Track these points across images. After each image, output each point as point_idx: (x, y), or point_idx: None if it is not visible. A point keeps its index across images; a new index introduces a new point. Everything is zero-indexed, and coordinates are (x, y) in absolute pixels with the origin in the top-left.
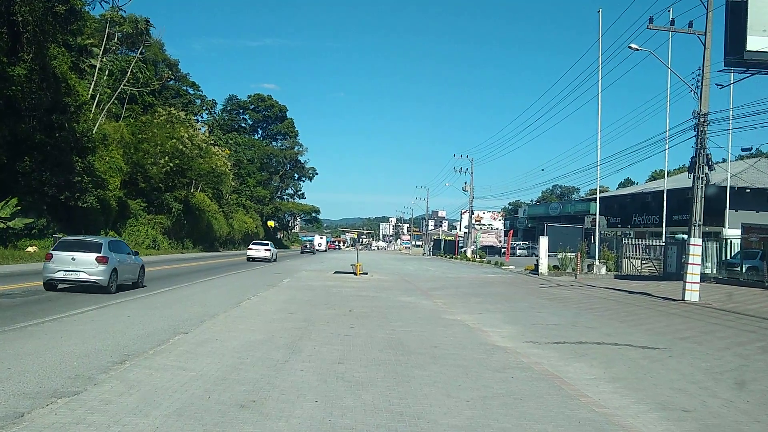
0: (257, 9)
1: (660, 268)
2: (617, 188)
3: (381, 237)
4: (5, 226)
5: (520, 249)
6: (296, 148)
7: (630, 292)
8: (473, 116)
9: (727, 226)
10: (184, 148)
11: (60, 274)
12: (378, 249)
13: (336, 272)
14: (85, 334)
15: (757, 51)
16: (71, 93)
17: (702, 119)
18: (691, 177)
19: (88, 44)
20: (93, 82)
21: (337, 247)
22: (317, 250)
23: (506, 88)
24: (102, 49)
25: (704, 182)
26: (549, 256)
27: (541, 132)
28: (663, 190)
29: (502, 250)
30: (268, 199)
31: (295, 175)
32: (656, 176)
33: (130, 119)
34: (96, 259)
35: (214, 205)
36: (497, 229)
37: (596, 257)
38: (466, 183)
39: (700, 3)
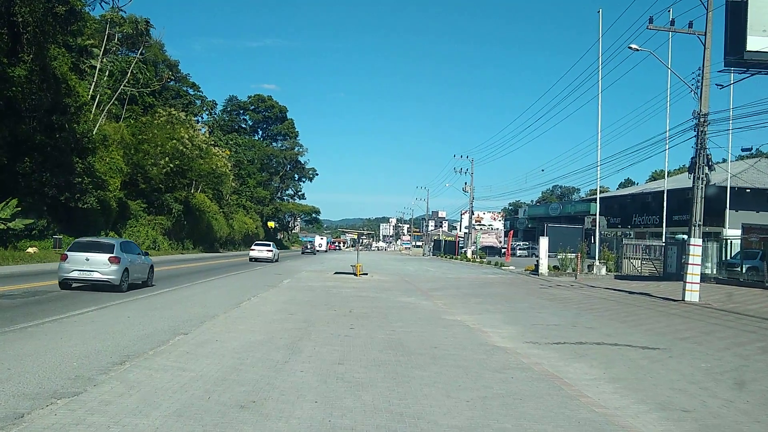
0: (257, 9)
1: (660, 269)
2: (617, 188)
3: (381, 237)
4: (5, 227)
5: (520, 249)
6: (296, 149)
7: (630, 293)
8: (473, 116)
9: (727, 226)
10: (184, 149)
11: (75, 274)
12: (378, 249)
13: (336, 273)
14: (85, 335)
15: (757, 51)
16: (71, 94)
17: (702, 119)
18: (691, 177)
19: (89, 45)
20: (93, 83)
21: (338, 247)
22: (318, 251)
23: (506, 88)
24: (102, 49)
25: (704, 182)
26: (549, 256)
27: (541, 132)
28: (663, 191)
29: (503, 250)
30: (268, 200)
31: (296, 175)
32: (656, 176)
33: (130, 120)
34: (109, 260)
35: (215, 205)
36: (497, 229)
37: (596, 257)
38: (466, 183)
39: (700, 3)
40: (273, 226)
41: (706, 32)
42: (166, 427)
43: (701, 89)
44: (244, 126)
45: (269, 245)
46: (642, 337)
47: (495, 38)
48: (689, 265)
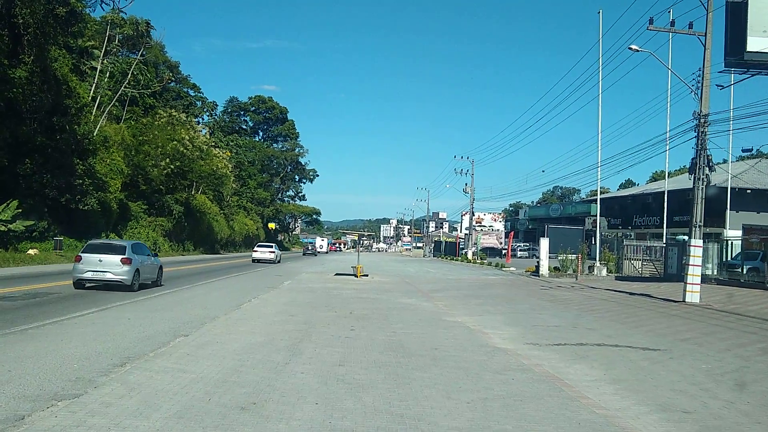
0: (257, 10)
1: (661, 270)
2: (618, 189)
3: (382, 239)
4: (6, 229)
5: (520, 250)
6: (297, 150)
7: (631, 294)
8: (473, 116)
9: (727, 227)
10: (185, 150)
11: (88, 274)
12: (379, 251)
13: (337, 274)
14: (85, 336)
15: (757, 52)
16: (72, 95)
17: (702, 120)
18: (692, 178)
19: (89, 46)
20: (94, 84)
21: (338, 249)
22: (319, 252)
23: (506, 88)
24: (103, 51)
25: (705, 183)
26: (550, 257)
27: (541, 133)
28: (664, 191)
29: (503, 251)
30: (268, 201)
31: (296, 176)
32: (657, 177)
33: (130, 121)
34: (121, 261)
35: (215, 207)
36: (498, 230)
37: (597, 259)
38: (466, 184)
39: (700, 4)
40: (273, 228)
41: (706, 33)
42: (167, 429)
43: (701, 90)
44: (244, 127)
45: (272, 247)
46: (643, 338)
47: (495, 38)
48: (690, 266)
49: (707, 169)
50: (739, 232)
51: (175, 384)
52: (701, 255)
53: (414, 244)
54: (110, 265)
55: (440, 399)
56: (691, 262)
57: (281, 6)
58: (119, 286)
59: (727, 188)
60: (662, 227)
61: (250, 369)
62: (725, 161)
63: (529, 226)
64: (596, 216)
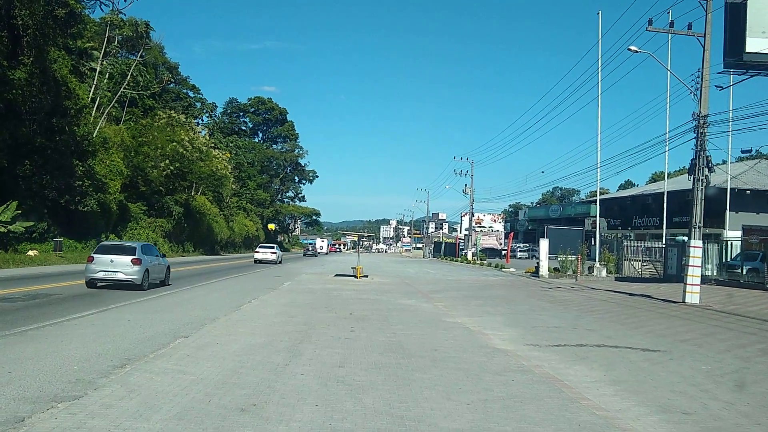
0: (257, 11)
1: (660, 270)
2: (617, 190)
3: (381, 239)
4: (6, 230)
5: (520, 251)
6: (296, 151)
7: (630, 295)
8: (473, 116)
9: (727, 227)
10: (184, 152)
11: (100, 274)
12: (378, 252)
13: (336, 275)
14: (85, 338)
15: (756, 52)
16: (71, 96)
17: (702, 121)
18: (691, 179)
19: (89, 47)
20: (93, 86)
21: (338, 249)
22: (319, 253)
23: (506, 88)
24: (102, 52)
25: (704, 184)
26: (549, 258)
27: (541, 134)
28: (663, 192)
29: (503, 252)
30: (268, 202)
31: (296, 177)
32: (656, 178)
33: (130, 122)
34: (131, 261)
35: (215, 208)
36: (498, 231)
37: (597, 259)
38: (466, 185)
39: (699, 5)
40: (273, 229)
41: (705, 34)
42: (167, 430)
43: (701, 91)
44: (244, 128)
45: (273, 248)
46: (642, 339)
47: (495, 38)
48: (689, 267)
49: (707, 170)
50: (739, 233)
51: (175, 385)
52: (701, 256)
53: (414, 245)
54: (121, 266)
55: (440, 400)
56: (690, 263)
57: (281, 6)
58: (130, 286)
59: (726, 189)
60: (662, 228)
61: (250, 370)
62: (725, 162)
63: (529, 227)
64: (596, 217)
